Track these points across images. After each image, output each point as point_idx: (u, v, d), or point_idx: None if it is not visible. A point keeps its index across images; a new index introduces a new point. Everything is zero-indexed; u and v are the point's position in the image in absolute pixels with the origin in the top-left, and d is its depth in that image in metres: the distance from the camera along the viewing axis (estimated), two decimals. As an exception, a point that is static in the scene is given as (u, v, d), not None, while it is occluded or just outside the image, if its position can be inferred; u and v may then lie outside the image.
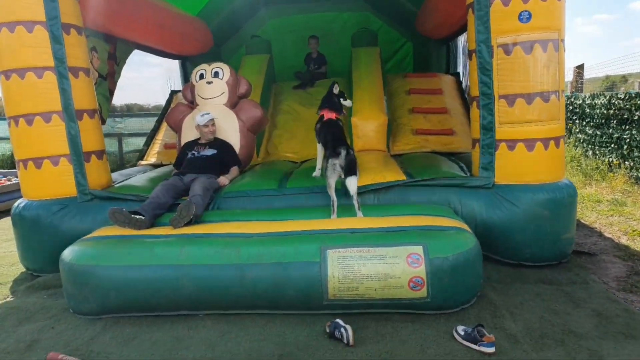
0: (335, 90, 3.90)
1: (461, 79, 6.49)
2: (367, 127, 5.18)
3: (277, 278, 2.63)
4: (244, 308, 2.72)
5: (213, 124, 4.11)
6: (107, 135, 9.97)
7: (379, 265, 2.60)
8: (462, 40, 7.08)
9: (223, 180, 3.85)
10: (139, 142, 9.53)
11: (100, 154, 3.91)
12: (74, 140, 3.62)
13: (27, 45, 3.45)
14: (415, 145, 5.22)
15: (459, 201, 3.46)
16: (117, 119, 10.02)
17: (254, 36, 7.03)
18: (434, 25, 6.58)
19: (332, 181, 3.25)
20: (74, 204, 3.62)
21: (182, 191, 3.65)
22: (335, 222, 3.02)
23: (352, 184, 3.14)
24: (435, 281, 2.58)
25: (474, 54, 3.47)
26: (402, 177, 3.64)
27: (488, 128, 3.43)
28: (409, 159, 4.52)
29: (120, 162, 9.41)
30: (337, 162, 3.23)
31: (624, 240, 4.05)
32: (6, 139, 9.82)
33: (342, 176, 3.24)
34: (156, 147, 5.76)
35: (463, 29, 6.48)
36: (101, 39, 4.99)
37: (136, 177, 4.25)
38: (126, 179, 4.26)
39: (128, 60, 5.64)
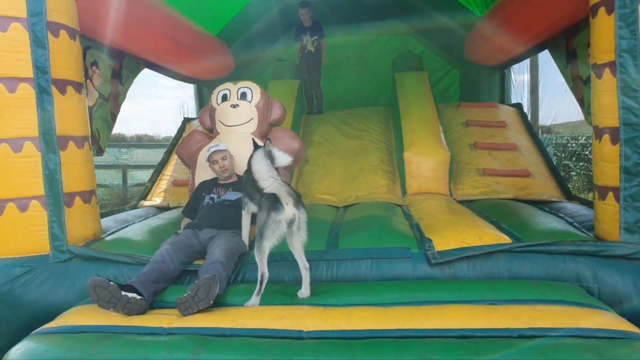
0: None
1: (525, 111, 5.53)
2: (424, 164, 4.19)
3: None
4: None
5: (224, 158, 3.07)
6: (110, 167, 9.16)
7: (528, 406, 1.52)
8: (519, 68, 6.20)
9: None
10: (146, 175, 8.65)
11: (89, 195, 2.92)
12: (52, 177, 2.64)
13: (-2, 48, 2.55)
14: (485, 189, 4.19)
15: (594, 277, 2.39)
16: (122, 150, 9.14)
17: (281, 60, 6.19)
18: (489, 52, 5.70)
19: (268, 246, 2.19)
20: (45, 266, 2.60)
21: (197, 253, 2.62)
22: (430, 315, 1.95)
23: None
24: None
25: (605, 70, 2.49)
26: (504, 238, 2.60)
27: (634, 172, 2.40)
28: (488, 209, 3.47)
29: (124, 196, 8.47)
30: (282, 218, 2.18)
31: None
32: None
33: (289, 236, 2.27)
34: (163, 184, 4.78)
35: (525, 54, 5.63)
36: (104, 53, 4.12)
37: (134, 227, 3.23)
38: (121, 228, 3.24)
39: (138, 92, 4.78)
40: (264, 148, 2.27)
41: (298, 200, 2.25)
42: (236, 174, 3.18)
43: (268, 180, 2.18)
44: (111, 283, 2.11)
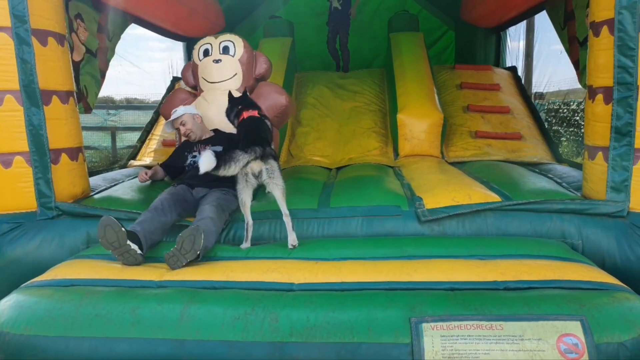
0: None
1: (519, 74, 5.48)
2: (417, 126, 4.16)
3: (339, 368, 1.60)
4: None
5: (183, 123, 2.98)
6: (99, 128, 8.98)
7: (511, 352, 1.57)
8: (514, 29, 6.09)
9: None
10: (135, 137, 8.53)
11: (75, 152, 2.86)
12: (35, 132, 2.58)
13: (-30, -5, 2.43)
14: (476, 151, 4.19)
15: (579, 234, 2.43)
16: (110, 111, 8.96)
17: (273, 16, 6.00)
18: (486, 10, 5.56)
19: (246, 197, 2.36)
20: (32, 223, 2.58)
21: (192, 208, 2.62)
22: (418, 269, 1.98)
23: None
24: (604, 383, 1.55)
25: (603, 28, 2.45)
26: (494, 197, 2.61)
27: (624, 132, 2.40)
28: (479, 170, 3.48)
29: (113, 159, 8.36)
30: (249, 171, 2.30)
31: None
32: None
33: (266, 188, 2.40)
34: (153, 144, 4.71)
35: (522, 15, 5.52)
36: (89, 5, 3.95)
37: (123, 185, 3.20)
38: (110, 186, 3.21)
39: (126, 53, 4.63)
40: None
41: (265, 155, 2.32)
42: (213, 130, 3.12)
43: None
44: (122, 229, 2.10)
